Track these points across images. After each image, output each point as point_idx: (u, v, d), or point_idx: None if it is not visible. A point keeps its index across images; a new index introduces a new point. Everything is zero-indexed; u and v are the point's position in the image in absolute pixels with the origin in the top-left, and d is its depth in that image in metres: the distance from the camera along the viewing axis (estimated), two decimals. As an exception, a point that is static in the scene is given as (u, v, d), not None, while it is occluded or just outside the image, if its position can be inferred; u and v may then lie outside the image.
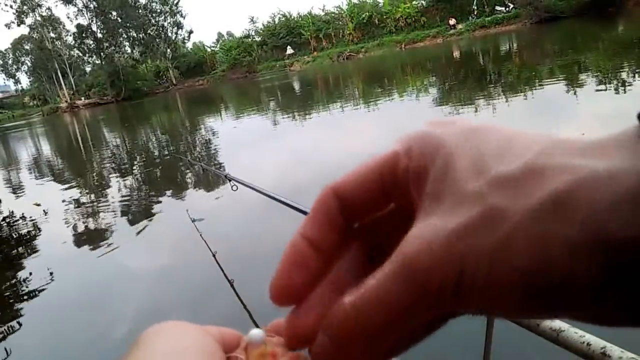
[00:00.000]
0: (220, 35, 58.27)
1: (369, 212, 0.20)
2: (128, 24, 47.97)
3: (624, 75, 6.86)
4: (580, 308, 0.14)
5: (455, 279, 0.15)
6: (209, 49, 54.04)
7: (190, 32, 53.82)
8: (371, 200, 0.19)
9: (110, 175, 7.52)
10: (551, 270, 0.14)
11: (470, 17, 37.99)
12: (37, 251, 4.24)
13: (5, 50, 58.27)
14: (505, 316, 0.16)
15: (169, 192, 5.52)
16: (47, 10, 47.92)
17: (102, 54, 46.98)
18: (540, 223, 0.14)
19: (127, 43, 50.49)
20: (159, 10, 49.38)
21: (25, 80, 61.53)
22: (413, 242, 0.16)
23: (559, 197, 0.14)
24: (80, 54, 50.67)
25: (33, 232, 4.85)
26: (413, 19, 41.87)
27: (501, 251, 0.15)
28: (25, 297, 3.23)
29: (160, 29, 49.39)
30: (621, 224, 0.13)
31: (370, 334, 0.16)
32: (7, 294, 3.39)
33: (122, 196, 5.79)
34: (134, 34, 49.38)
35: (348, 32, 45.23)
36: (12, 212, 5.84)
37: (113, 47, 47.75)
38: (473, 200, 0.16)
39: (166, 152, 9.02)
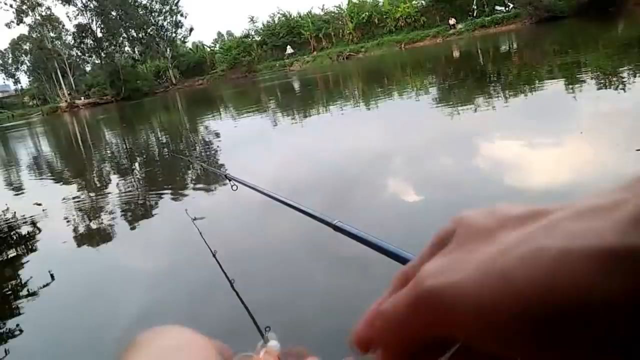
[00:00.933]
0: (220, 34, 58.31)
1: None
2: (128, 24, 47.92)
3: (623, 74, 6.86)
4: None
5: (437, 295, 0.17)
6: (208, 49, 54.02)
7: (191, 29, 53.78)
8: None
9: (110, 175, 7.52)
10: (553, 287, 0.14)
11: (469, 17, 37.99)
12: (37, 251, 4.24)
13: (5, 50, 58.27)
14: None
15: (168, 192, 5.52)
16: (46, 10, 47.92)
17: (101, 53, 46.94)
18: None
19: (127, 42, 50.46)
20: (159, 10, 49.34)
21: (24, 80, 61.59)
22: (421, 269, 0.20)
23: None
24: (80, 54, 50.63)
25: (33, 231, 4.85)
26: (413, 18, 41.86)
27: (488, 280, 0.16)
28: (25, 297, 3.23)
29: (160, 28, 49.36)
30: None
31: (392, 328, 0.20)
32: (8, 293, 3.39)
33: (122, 196, 5.79)
34: (134, 34, 49.35)
35: (348, 31, 45.22)
36: (14, 212, 5.83)
37: (113, 47, 47.70)
38: (469, 249, 0.19)
39: (166, 152, 9.02)
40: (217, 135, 9.79)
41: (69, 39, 49.75)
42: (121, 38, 48.90)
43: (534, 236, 0.16)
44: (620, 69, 7.41)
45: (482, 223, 0.19)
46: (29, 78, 59.44)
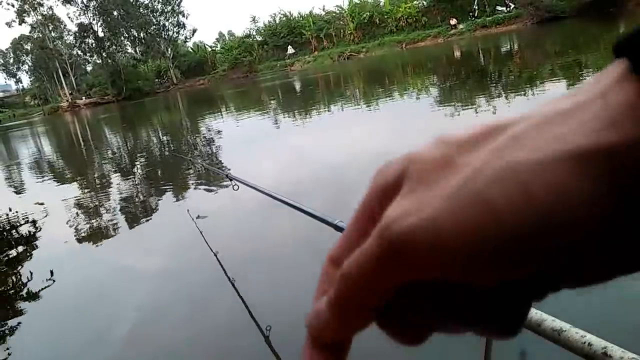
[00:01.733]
0: (221, 34, 58.31)
1: None
2: (129, 23, 47.95)
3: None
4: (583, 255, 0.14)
5: (411, 238, 0.15)
6: (209, 49, 54.04)
7: (194, 30, 53.86)
8: None
9: (111, 175, 7.53)
10: (531, 201, 0.13)
11: (470, 17, 37.98)
12: (38, 250, 4.25)
13: (6, 49, 58.35)
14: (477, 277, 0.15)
15: (170, 192, 5.53)
16: (48, 10, 47.97)
17: (103, 53, 46.99)
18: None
19: (128, 42, 50.51)
20: (160, 10, 49.38)
21: (26, 80, 61.63)
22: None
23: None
24: (81, 54, 50.67)
25: (35, 231, 4.86)
26: (414, 18, 41.85)
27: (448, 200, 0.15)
28: (25, 297, 3.23)
29: (162, 28, 49.40)
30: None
31: (359, 289, 0.17)
32: (8, 293, 3.40)
33: (123, 196, 5.80)
34: (135, 33, 49.38)
35: (349, 31, 45.22)
36: (16, 211, 5.84)
37: (114, 47, 47.75)
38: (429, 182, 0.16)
39: (167, 152, 9.03)
40: (219, 135, 9.79)
41: (70, 38, 49.84)
42: (122, 38, 48.94)
43: (502, 153, 0.15)
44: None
45: (437, 153, 0.17)
46: (30, 78, 59.54)
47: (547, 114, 0.15)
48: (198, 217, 3.02)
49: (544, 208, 0.13)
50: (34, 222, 5.17)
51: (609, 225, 0.13)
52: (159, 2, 49.10)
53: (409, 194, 0.16)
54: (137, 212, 5.02)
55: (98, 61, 49.24)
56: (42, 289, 3.29)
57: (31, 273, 3.63)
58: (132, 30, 48.86)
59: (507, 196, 0.14)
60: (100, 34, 47.29)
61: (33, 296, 3.22)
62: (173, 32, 50.36)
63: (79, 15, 47.35)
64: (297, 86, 20.84)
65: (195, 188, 5.48)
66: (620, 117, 0.13)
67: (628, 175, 0.13)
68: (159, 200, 5.30)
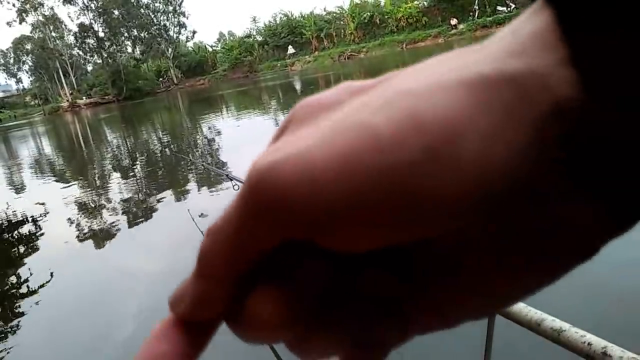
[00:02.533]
0: (221, 34, 58.32)
1: None
2: (130, 23, 47.99)
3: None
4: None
5: (275, 176, 0.12)
6: (210, 49, 54.05)
7: (194, 32, 53.86)
8: None
9: (112, 175, 7.54)
10: (421, 126, 0.11)
11: (471, 17, 37.99)
12: (38, 250, 4.25)
13: (7, 49, 58.38)
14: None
15: (170, 192, 5.53)
16: (49, 10, 48.02)
17: (103, 53, 47.01)
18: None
19: (128, 42, 50.53)
20: (161, 10, 49.39)
21: (26, 80, 61.64)
22: None
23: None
24: (82, 53, 50.68)
25: (35, 231, 4.86)
26: (414, 18, 41.84)
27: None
28: (26, 296, 3.24)
29: (163, 28, 49.41)
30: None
31: (225, 239, 0.14)
32: (8, 293, 3.40)
33: (124, 196, 5.81)
34: (136, 33, 49.40)
35: (349, 31, 45.21)
36: (16, 211, 5.85)
37: (115, 47, 47.77)
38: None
39: (168, 152, 9.03)
40: (219, 134, 9.80)
41: (71, 38, 49.86)
42: (123, 38, 48.96)
43: (395, 85, 0.13)
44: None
45: (331, 96, 0.14)
46: (30, 78, 59.55)
47: (455, 52, 0.13)
48: (201, 215, 3.02)
49: (432, 138, 0.11)
50: (34, 221, 5.18)
51: (509, 173, 0.11)
52: (159, 2, 49.13)
53: (285, 136, 0.14)
54: (137, 211, 5.02)
55: (98, 61, 49.25)
56: (41, 289, 3.29)
57: (31, 273, 3.63)
58: (132, 30, 48.89)
59: (392, 122, 0.11)
60: (101, 34, 47.35)
61: (33, 295, 3.22)
62: (174, 32, 50.39)
63: (80, 15, 47.44)
64: (298, 86, 20.86)
65: (195, 188, 5.49)
66: (526, 47, 0.12)
67: (529, 106, 0.11)
68: (159, 199, 5.30)
